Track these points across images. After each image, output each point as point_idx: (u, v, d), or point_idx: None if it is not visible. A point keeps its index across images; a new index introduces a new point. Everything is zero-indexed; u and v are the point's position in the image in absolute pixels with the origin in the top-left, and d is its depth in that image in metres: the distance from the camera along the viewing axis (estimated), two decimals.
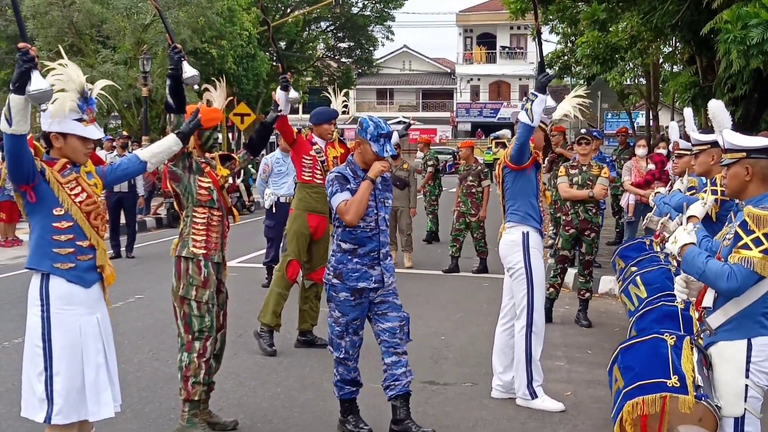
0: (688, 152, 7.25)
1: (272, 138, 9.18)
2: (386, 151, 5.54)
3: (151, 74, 25.41)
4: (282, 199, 11.43)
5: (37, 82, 4.01)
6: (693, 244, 4.11)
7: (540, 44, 7.13)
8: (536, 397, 6.54)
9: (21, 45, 4.03)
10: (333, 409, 6.51)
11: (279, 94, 7.11)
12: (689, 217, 4.60)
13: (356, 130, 5.63)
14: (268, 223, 11.71)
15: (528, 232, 6.59)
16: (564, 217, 9.67)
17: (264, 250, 12.13)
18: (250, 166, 28.87)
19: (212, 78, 6.25)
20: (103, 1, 27.82)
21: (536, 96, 6.14)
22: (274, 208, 11.47)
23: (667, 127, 17.44)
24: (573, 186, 9.51)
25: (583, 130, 10.08)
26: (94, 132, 4.57)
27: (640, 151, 12.74)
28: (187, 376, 5.71)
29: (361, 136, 5.57)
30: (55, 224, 4.42)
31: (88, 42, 29.37)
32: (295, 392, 6.97)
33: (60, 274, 4.42)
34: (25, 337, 4.48)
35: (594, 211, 9.58)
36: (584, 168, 9.58)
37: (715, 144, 5.73)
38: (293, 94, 7.20)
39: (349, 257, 5.61)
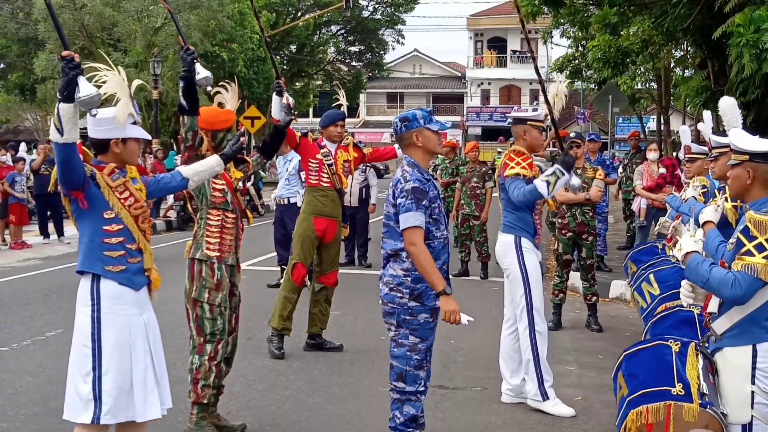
0: (701, 156, 7.22)
1: None
2: (440, 124, 5.26)
3: (161, 77, 25.48)
4: (277, 201, 11.99)
5: (85, 88, 4.03)
6: (696, 252, 4.07)
7: (542, 85, 7.17)
8: (548, 398, 6.51)
9: (65, 53, 4.05)
10: (341, 413, 6.51)
11: (274, 100, 7.11)
12: (705, 223, 4.56)
13: (401, 128, 5.18)
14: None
15: (520, 237, 6.60)
16: (560, 221, 9.59)
17: (275, 253, 12.19)
18: (260, 169, 29.00)
19: (224, 81, 6.23)
20: (114, 5, 27.93)
21: (563, 174, 6.24)
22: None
23: (677, 132, 17.37)
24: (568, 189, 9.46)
25: (572, 134, 10.01)
26: (145, 133, 4.68)
27: (652, 155, 12.69)
28: (198, 379, 5.71)
29: (414, 127, 5.13)
30: (105, 227, 4.46)
31: (99, 45, 29.44)
32: (303, 395, 6.95)
33: (111, 276, 4.45)
34: (73, 338, 4.48)
35: (591, 214, 9.54)
36: (578, 171, 9.53)
37: None
38: (287, 99, 7.15)
39: None
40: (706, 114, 7.37)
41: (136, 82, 4.74)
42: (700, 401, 3.96)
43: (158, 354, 4.67)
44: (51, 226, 17.30)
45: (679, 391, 4.03)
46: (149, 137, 4.58)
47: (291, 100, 7.17)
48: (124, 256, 4.49)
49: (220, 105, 6.13)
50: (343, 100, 8.51)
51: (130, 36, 28.26)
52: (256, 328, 9.12)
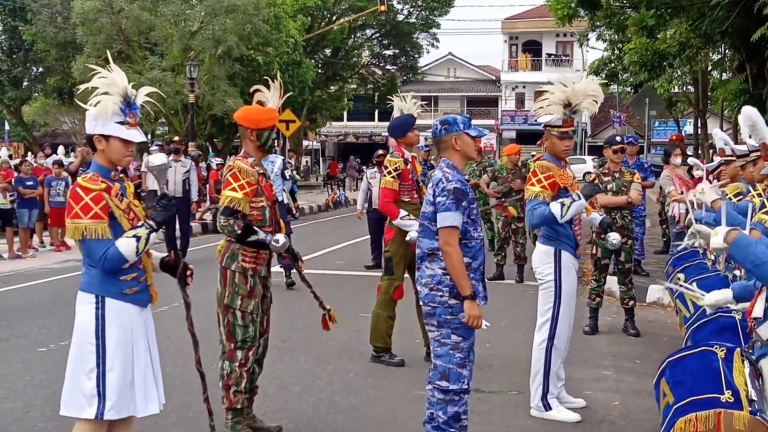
0: (734, 158, 7.12)
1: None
2: (478, 130, 5.35)
3: (197, 81, 25.62)
4: None
5: (156, 159, 4.21)
6: (741, 231, 3.90)
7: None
8: (550, 408, 6.47)
9: (161, 195, 4.56)
10: (377, 416, 6.50)
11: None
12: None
13: (441, 130, 5.22)
14: None
15: (560, 250, 6.49)
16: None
17: (309, 256, 12.22)
18: (295, 172, 29.04)
19: (265, 79, 6.22)
20: (151, 9, 28.16)
21: (579, 198, 6.23)
22: None
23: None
24: (608, 193, 9.39)
25: (618, 138, 9.91)
26: (136, 135, 4.56)
27: (677, 160, 12.57)
28: (229, 385, 5.72)
29: (454, 131, 5.20)
30: None
31: (136, 49, 29.71)
32: (339, 398, 6.95)
33: (127, 299, 4.49)
34: (73, 336, 4.51)
35: (629, 217, 9.48)
36: (616, 175, 9.46)
37: None
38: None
39: (467, 273, 5.11)
40: (716, 130, 7.31)
41: (146, 89, 4.69)
42: (749, 408, 3.90)
43: (155, 352, 4.71)
44: None
45: (729, 398, 3.95)
46: (139, 139, 4.51)
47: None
48: (137, 277, 4.54)
49: (260, 103, 6.11)
50: (400, 104, 8.31)
51: (167, 40, 28.45)
52: (291, 330, 9.15)
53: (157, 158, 4.37)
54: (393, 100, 8.43)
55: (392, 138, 8.34)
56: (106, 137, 4.47)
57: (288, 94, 6.55)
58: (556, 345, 6.48)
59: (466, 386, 5.16)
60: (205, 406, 5.18)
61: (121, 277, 4.45)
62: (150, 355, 4.64)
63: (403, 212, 7.79)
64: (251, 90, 6.30)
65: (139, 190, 13.50)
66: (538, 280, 6.63)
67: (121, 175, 4.68)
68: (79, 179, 4.45)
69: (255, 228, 5.63)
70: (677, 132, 36.01)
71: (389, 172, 7.94)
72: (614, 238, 6.66)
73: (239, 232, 5.57)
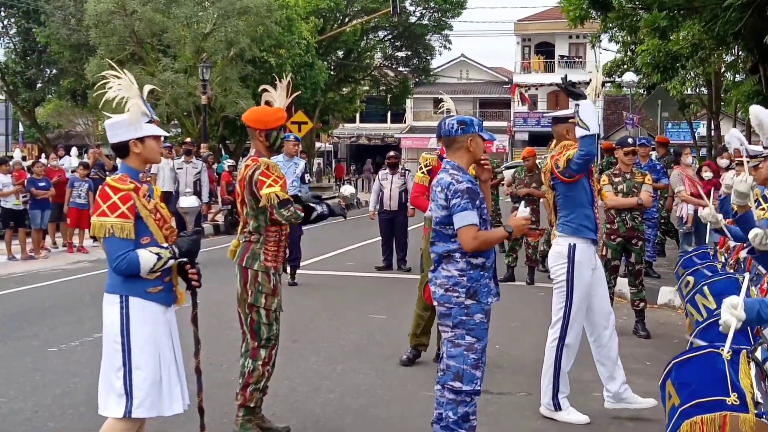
0: (749, 159, 7.09)
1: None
2: (489, 134, 5.38)
3: (210, 82, 25.68)
4: None
5: (187, 201, 4.30)
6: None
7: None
8: (560, 409, 6.45)
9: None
10: (386, 417, 6.50)
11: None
12: None
13: (457, 130, 5.16)
14: None
15: (575, 245, 6.44)
16: (609, 226, 9.47)
17: (320, 257, 12.24)
18: (307, 174, 29.08)
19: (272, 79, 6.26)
20: (164, 11, 28.22)
21: (578, 105, 6.03)
22: None
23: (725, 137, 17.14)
24: (618, 194, 9.36)
25: (630, 140, 9.85)
26: (161, 130, 4.74)
27: (688, 159, 12.51)
28: (249, 383, 5.74)
29: (470, 132, 5.17)
30: None
31: (149, 50, 29.80)
32: (348, 399, 6.96)
33: (151, 298, 4.56)
34: (103, 336, 4.57)
35: (640, 218, 9.46)
36: (627, 176, 9.43)
37: None
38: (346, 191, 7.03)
39: (481, 272, 5.12)
40: (733, 130, 7.28)
41: (147, 87, 4.81)
42: (755, 411, 3.87)
43: (179, 351, 4.77)
44: None
45: (734, 400, 3.93)
46: (165, 134, 4.63)
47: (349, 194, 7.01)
48: (161, 277, 4.60)
49: (268, 104, 6.12)
50: (450, 104, 8.30)
51: (180, 42, 28.52)
52: (300, 331, 9.16)
53: (188, 201, 4.50)
54: (444, 101, 8.34)
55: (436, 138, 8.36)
56: (141, 139, 4.57)
57: (296, 94, 6.53)
58: (568, 344, 6.46)
59: (478, 387, 5.18)
60: (198, 404, 5.14)
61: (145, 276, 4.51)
62: (174, 354, 4.70)
63: (432, 204, 7.77)
64: (259, 90, 6.32)
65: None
66: (552, 279, 6.63)
67: (149, 178, 4.75)
68: (108, 179, 4.53)
69: (311, 205, 5.81)
70: (690, 135, 35.94)
71: (421, 168, 8.01)
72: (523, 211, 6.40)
73: (303, 214, 5.73)
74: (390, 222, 14.28)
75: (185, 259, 4.72)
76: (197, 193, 15.08)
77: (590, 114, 6.03)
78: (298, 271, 12.80)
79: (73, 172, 17.77)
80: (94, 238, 4.74)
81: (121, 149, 4.61)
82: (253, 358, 5.75)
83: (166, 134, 4.66)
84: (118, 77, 4.59)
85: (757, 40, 12.30)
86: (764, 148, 6.48)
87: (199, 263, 4.87)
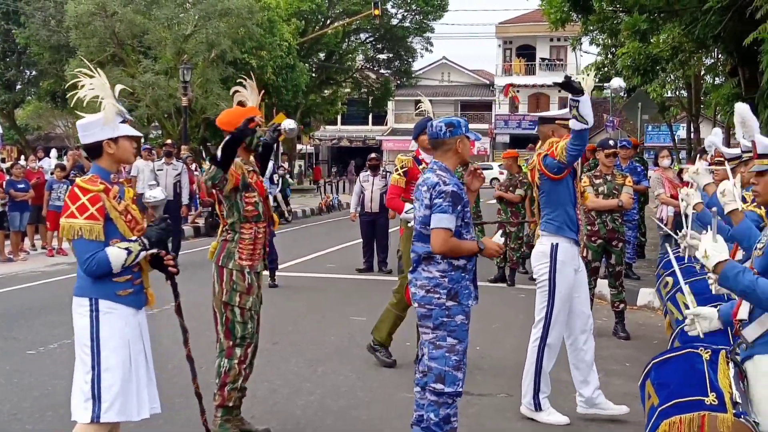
0: (727, 160, 7.13)
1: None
2: (474, 134, 5.36)
3: (191, 84, 25.59)
4: None
5: (152, 193, 4.27)
6: (730, 260, 3.95)
7: None
8: (541, 409, 6.46)
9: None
10: (366, 418, 6.50)
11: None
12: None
13: (446, 132, 5.16)
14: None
15: (557, 244, 6.46)
16: (590, 228, 9.50)
17: (301, 259, 12.22)
18: (288, 176, 29.05)
19: (241, 77, 6.19)
20: (144, 12, 28.13)
21: (577, 101, 5.99)
22: None
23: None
24: (599, 196, 9.40)
25: (611, 142, 9.89)
26: (135, 130, 4.67)
27: (665, 162, 12.57)
28: (226, 382, 5.73)
29: (458, 134, 5.18)
30: None
31: (129, 52, 29.68)
32: (328, 401, 6.94)
33: (121, 301, 4.47)
34: (75, 341, 4.51)
35: (620, 220, 9.50)
36: (608, 177, 9.48)
37: None
38: (288, 124, 6.72)
39: (462, 274, 5.13)
40: (716, 130, 7.31)
41: (119, 87, 4.75)
42: (734, 411, 3.89)
43: (149, 355, 4.69)
44: None
45: (713, 400, 3.94)
46: (140, 134, 4.59)
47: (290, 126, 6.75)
48: (131, 279, 4.52)
49: (241, 104, 6.09)
50: (427, 106, 8.30)
51: (161, 43, 28.43)
52: (281, 333, 9.13)
53: (153, 193, 4.45)
54: (422, 102, 8.35)
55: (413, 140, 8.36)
56: (115, 140, 4.51)
57: (263, 92, 6.48)
58: (549, 344, 6.47)
59: (460, 389, 5.18)
60: (195, 390, 5.15)
61: (114, 278, 4.43)
62: (145, 358, 4.63)
63: (408, 206, 7.76)
64: (231, 92, 6.29)
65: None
66: (535, 279, 6.65)
67: (122, 180, 4.69)
68: (77, 180, 4.45)
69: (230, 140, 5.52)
70: (670, 137, 36.10)
71: (397, 170, 7.99)
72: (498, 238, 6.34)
73: (220, 151, 5.48)
74: (371, 224, 14.28)
75: (157, 250, 4.63)
76: (177, 194, 15.04)
77: (588, 109, 6.05)
78: (278, 273, 12.76)
79: (51, 173, 17.67)
80: None
81: (94, 150, 4.54)
82: (229, 357, 5.74)
83: (141, 135, 4.60)
84: (91, 76, 4.53)
85: (736, 43, 12.35)
86: (742, 152, 6.50)
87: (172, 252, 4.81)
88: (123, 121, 4.56)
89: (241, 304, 5.70)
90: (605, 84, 26.64)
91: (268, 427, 6.05)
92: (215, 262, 5.78)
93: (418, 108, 8.32)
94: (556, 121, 6.63)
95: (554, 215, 6.50)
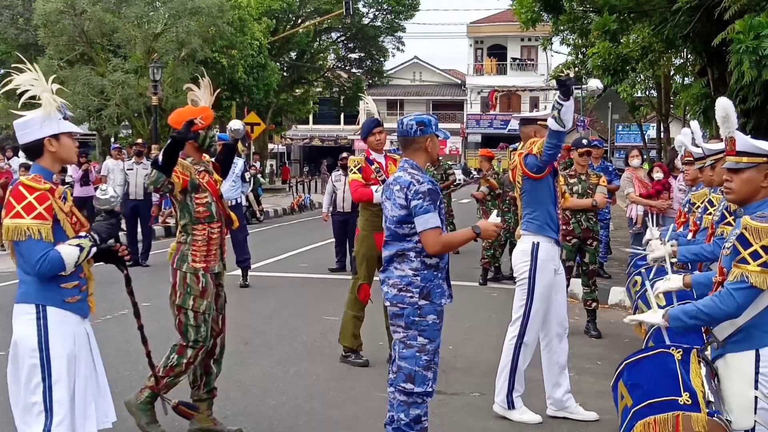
0: (698, 160, 7.16)
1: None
2: (444, 133, 5.37)
3: (161, 83, 25.43)
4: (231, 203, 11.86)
5: (105, 192, 4.36)
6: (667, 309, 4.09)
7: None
8: (514, 407, 6.48)
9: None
10: (339, 418, 6.48)
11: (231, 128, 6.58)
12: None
13: (417, 131, 5.13)
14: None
15: (539, 243, 6.49)
16: (565, 227, 9.52)
17: (273, 259, 12.17)
18: (259, 176, 28.93)
19: (222, 86, 6.15)
20: (114, 11, 27.89)
21: (562, 105, 5.98)
22: None
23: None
24: (573, 195, 9.45)
25: (584, 141, 9.93)
26: (75, 126, 4.47)
27: (635, 161, 12.67)
28: (169, 375, 5.70)
29: (428, 133, 5.15)
30: None
31: (99, 51, 29.42)
32: (301, 401, 6.92)
33: (68, 308, 4.26)
34: (11, 349, 4.30)
35: (594, 219, 9.56)
36: (582, 177, 9.54)
37: None
38: (234, 124, 6.61)
39: (435, 273, 5.08)
40: (694, 123, 7.36)
41: (55, 86, 4.48)
42: (707, 410, 3.90)
43: (99, 365, 4.50)
44: None
45: (686, 400, 3.95)
46: (80, 130, 4.44)
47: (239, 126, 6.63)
48: (78, 286, 4.32)
49: (194, 103, 6.03)
50: (371, 107, 8.31)
51: (130, 42, 28.21)
52: (253, 333, 9.09)
53: (104, 194, 4.36)
54: (367, 103, 8.41)
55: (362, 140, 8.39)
56: (57, 137, 4.29)
57: (218, 91, 6.41)
58: (526, 343, 6.49)
59: (430, 389, 5.15)
60: (146, 352, 5.21)
61: (62, 285, 4.22)
62: (95, 368, 4.44)
63: (377, 187, 7.75)
64: (184, 88, 6.22)
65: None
66: (516, 277, 6.66)
67: (57, 181, 4.54)
68: (21, 178, 4.21)
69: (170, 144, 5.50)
70: (640, 137, 36.32)
71: (351, 170, 8.02)
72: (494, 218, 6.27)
73: (161, 155, 5.47)
74: (343, 223, 14.24)
75: (111, 242, 4.49)
76: (148, 194, 14.93)
77: (570, 114, 6.07)
78: (250, 273, 12.71)
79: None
80: None
81: (34, 149, 4.30)
82: (179, 354, 5.73)
83: (81, 131, 4.42)
84: (22, 71, 4.36)
85: (705, 44, 12.43)
86: (705, 152, 6.52)
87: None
88: (64, 118, 4.34)
89: (194, 307, 5.67)
90: (582, 85, 26.80)
91: (240, 428, 6.03)
92: (171, 264, 5.75)
93: (366, 108, 8.37)
94: (538, 122, 6.65)
95: (535, 214, 6.52)
